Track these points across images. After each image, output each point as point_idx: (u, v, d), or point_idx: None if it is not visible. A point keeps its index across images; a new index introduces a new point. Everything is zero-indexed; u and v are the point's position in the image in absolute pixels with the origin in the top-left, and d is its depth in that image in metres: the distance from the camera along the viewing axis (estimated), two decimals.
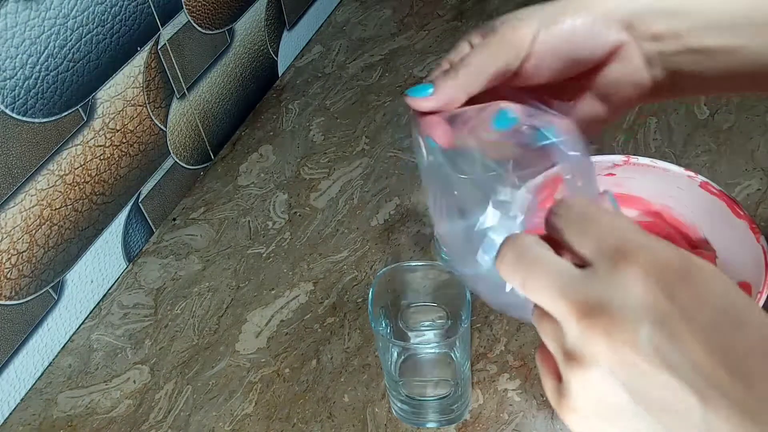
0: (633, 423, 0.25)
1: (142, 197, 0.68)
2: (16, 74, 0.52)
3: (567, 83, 0.38)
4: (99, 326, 0.63)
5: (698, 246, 0.58)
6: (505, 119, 0.35)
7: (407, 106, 0.37)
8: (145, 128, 0.67)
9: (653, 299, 0.23)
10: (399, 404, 0.53)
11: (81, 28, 0.57)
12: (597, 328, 0.24)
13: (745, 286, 0.52)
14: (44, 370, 0.60)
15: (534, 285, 0.26)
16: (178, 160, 0.73)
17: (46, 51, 0.54)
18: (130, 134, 0.65)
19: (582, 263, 0.26)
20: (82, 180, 0.60)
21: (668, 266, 0.24)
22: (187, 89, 0.72)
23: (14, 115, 0.53)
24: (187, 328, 0.62)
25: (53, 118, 0.56)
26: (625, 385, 0.24)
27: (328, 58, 0.92)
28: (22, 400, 0.58)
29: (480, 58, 0.36)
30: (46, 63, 0.54)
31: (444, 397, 0.52)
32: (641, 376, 0.23)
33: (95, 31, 0.59)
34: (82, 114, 0.59)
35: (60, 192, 0.58)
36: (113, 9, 0.60)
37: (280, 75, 0.90)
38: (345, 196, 0.72)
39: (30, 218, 0.56)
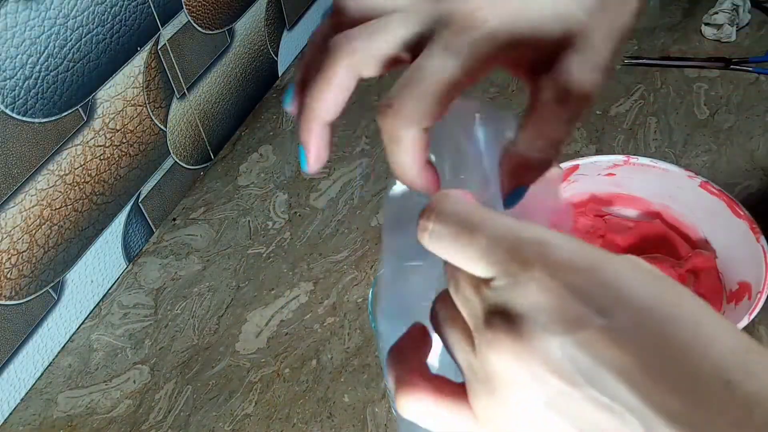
0: None
1: (142, 197, 0.68)
2: (16, 74, 0.52)
3: None
4: (99, 326, 0.63)
5: (698, 246, 0.58)
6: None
7: None
8: (145, 128, 0.67)
9: (562, 305, 0.20)
10: None
11: (81, 28, 0.57)
12: (502, 338, 0.21)
13: (745, 286, 0.52)
14: (44, 370, 0.60)
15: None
16: (178, 160, 0.73)
17: (46, 51, 0.54)
18: (130, 134, 0.65)
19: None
20: (82, 180, 0.60)
21: (573, 266, 0.20)
22: (187, 89, 0.72)
23: (14, 115, 0.53)
24: (187, 328, 0.62)
25: (53, 118, 0.56)
26: (548, 405, 0.20)
27: None
28: (22, 400, 0.58)
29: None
30: (46, 63, 0.54)
31: None
32: (564, 397, 0.20)
33: (95, 31, 0.59)
34: (82, 114, 0.59)
35: (60, 192, 0.58)
36: (113, 9, 0.60)
37: (280, 75, 0.90)
38: (345, 196, 0.72)
39: (30, 218, 0.56)
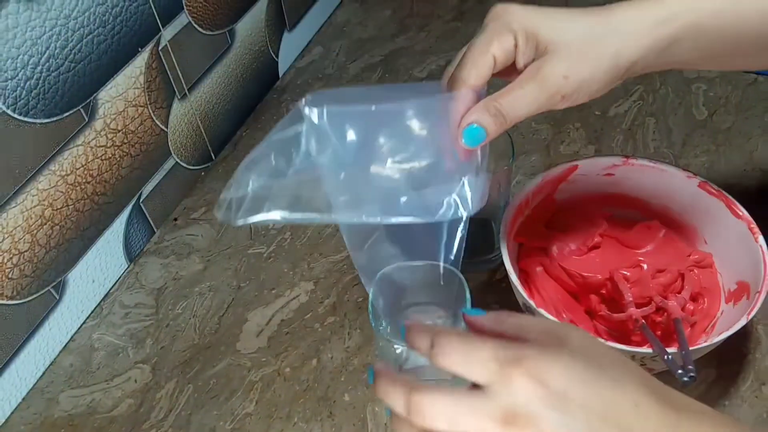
0: None
1: (143, 197, 0.69)
2: (17, 75, 0.52)
3: None
4: (100, 326, 0.64)
5: (697, 246, 0.58)
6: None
7: None
8: (146, 129, 0.67)
9: (544, 391, 0.30)
10: None
11: (82, 29, 0.57)
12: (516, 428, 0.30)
13: (744, 286, 0.52)
14: (46, 370, 0.60)
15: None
16: (179, 161, 0.73)
17: (48, 52, 0.54)
18: (131, 135, 0.65)
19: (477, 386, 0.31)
20: (84, 180, 0.61)
21: (546, 366, 0.30)
22: (188, 90, 0.72)
23: (16, 116, 0.53)
24: (188, 327, 0.62)
25: (55, 118, 0.56)
26: None
27: (329, 59, 0.92)
28: (23, 399, 0.59)
29: (525, 103, 0.41)
30: (47, 64, 0.55)
31: None
32: None
33: (96, 32, 0.59)
34: (84, 114, 0.59)
35: (62, 192, 0.58)
36: (114, 10, 0.60)
37: (280, 76, 0.90)
38: None
39: (32, 218, 0.56)
